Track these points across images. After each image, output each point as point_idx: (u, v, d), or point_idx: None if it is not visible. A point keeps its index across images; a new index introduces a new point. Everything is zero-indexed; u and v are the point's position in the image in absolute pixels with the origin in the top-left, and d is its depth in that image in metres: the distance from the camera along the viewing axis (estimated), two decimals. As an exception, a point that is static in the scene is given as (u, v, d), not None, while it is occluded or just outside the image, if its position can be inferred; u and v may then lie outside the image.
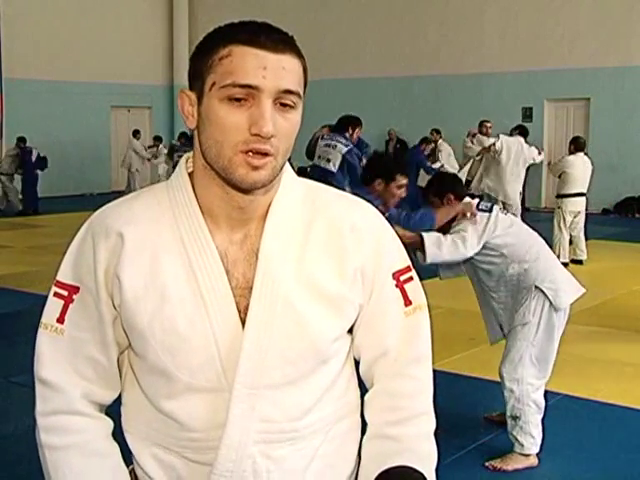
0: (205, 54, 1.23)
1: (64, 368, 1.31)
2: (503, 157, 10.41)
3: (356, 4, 18.34)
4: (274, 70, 1.19)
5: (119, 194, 16.30)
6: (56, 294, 1.32)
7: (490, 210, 3.97)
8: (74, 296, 1.30)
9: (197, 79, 1.24)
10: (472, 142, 11.14)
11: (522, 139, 10.81)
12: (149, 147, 17.73)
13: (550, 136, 16.17)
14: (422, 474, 1.33)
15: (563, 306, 3.92)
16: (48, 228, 13.57)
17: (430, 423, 1.41)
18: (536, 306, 3.89)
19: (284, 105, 1.21)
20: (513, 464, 3.89)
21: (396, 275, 1.38)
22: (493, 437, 4.26)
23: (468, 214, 3.91)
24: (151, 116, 20.46)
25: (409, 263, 1.42)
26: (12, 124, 17.52)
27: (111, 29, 19.32)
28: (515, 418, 3.88)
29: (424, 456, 1.36)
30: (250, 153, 1.20)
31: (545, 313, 3.89)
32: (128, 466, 1.38)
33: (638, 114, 15.21)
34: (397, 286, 1.38)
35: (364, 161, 8.37)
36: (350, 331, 1.40)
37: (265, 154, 1.21)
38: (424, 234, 3.82)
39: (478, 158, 11.09)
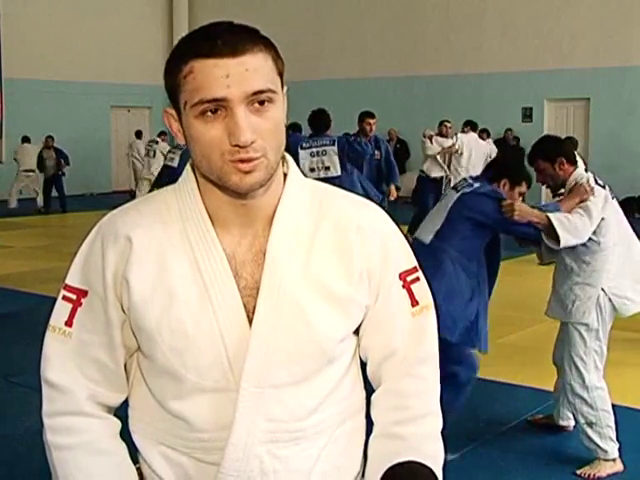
0: (171, 73, 1.23)
1: (71, 370, 1.33)
2: (464, 154, 11.31)
3: (356, 4, 18.35)
4: (237, 76, 1.17)
5: (121, 194, 16.33)
6: (65, 297, 1.33)
7: (604, 187, 3.82)
8: (82, 300, 1.31)
9: (173, 98, 1.25)
10: (431, 143, 11.59)
11: (475, 135, 11.82)
12: (149, 142, 17.29)
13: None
14: (430, 469, 1.33)
15: (628, 314, 3.84)
16: (48, 228, 13.58)
17: (437, 423, 1.42)
18: (602, 308, 3.78)
19: (261, 103, 1.21)
20: (604, 470, 3.80)
21: (402, 276, 1.39)
22: (493, 437, 4.27)
23: (589, 196, 3.70)
24: (151, 116, 20.47)
25: (415, 264, 1.43)
26: (12, 124, 17.54)
27: (111, 29, 19.33)
28: (591, 424, 3.79)
29: (430, 455, 1.37)
30: (238, 162, 1.21)
31: (606, 317, 3.81)
32: (135, 464, 1.39)
33: (638, 114, 15.22)
34: (404, 287, 1.38)
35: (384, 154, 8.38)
36: (356, 332, 1.40)
37: (250, 160, 1.21)
38: (551, 216, 3.58)
39: (439, 157, 11.72)
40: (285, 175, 1.35)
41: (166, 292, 1.27)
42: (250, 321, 1.28)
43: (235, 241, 1.30)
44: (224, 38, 1.18)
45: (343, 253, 1.32)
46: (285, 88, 1.28)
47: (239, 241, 1.31)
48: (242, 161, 1.20)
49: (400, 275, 1.38)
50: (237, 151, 1.19)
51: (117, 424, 1.38)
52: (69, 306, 1.32)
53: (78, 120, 18.84)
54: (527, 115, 16.45)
